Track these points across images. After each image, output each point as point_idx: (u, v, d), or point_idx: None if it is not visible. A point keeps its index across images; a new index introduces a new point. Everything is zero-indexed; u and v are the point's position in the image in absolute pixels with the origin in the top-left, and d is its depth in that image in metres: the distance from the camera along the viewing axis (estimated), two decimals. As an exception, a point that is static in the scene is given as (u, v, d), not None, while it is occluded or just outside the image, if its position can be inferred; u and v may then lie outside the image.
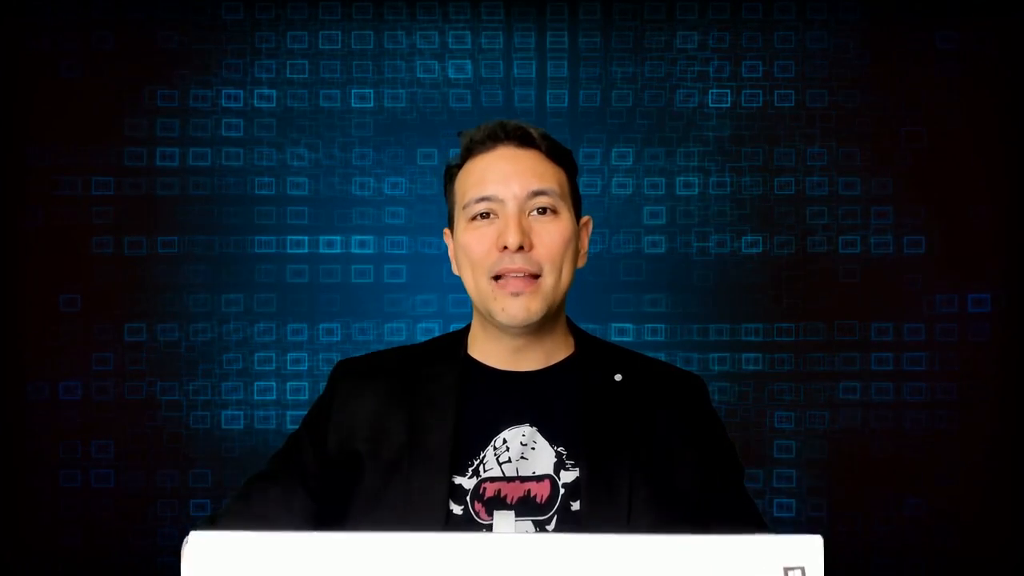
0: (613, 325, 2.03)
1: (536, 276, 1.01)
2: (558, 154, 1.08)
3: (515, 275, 1.01)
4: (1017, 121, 2.02)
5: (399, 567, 0.61)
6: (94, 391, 2.02)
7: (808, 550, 0.60)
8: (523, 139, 1.06)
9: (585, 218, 1.11)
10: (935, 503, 2.00)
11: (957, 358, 2.02)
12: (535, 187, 1.03)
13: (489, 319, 1.05)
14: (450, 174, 1.10)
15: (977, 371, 2.01)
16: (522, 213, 1.02)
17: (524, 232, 1.01)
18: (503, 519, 0.70)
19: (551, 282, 1.02)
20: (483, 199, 1.03)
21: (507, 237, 1.00)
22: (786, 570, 0.59)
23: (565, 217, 1.04)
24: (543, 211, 1.03)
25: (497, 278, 1.02)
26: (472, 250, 1.03)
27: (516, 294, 1.01)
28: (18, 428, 2.00)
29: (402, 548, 0.62)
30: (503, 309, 1.01)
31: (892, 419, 2.02)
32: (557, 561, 0.61)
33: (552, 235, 1.02)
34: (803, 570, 0.60)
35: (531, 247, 1.01)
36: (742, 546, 0.61)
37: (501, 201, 1.02)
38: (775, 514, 1.99)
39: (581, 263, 1.09)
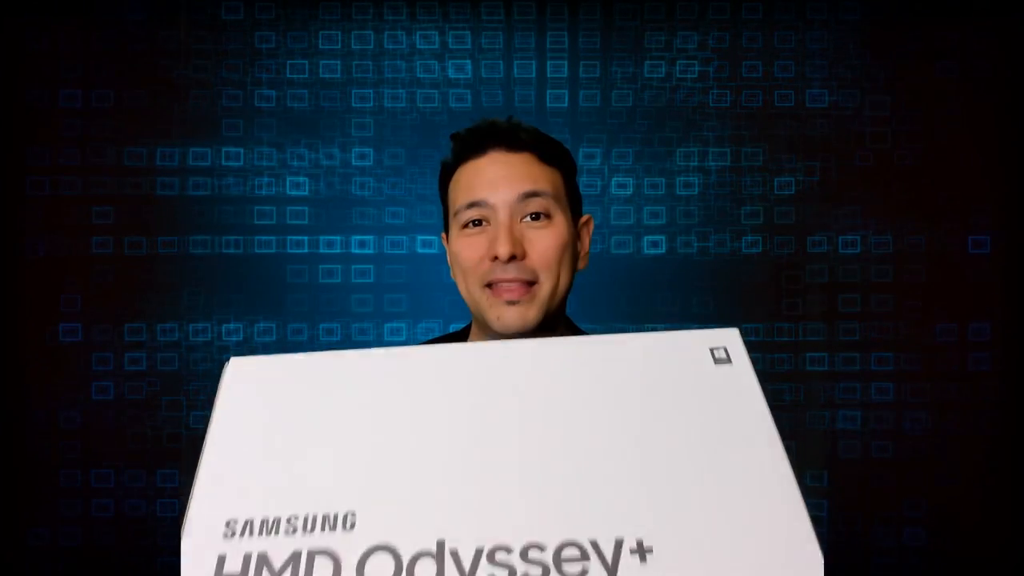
0: (613, 325, 2.03)
1: (532, 283, 0.99)
2: (552, 154, 1.05)
3: (509, 284, 0.99)
4: (1017, 121, 2.02)
5: (440, 375, 0.65)
6: (94, 391, 2.02)
7: (727, 338, 0.68)
8: (514, 141, 1.02)
9: (585, 217, 1.09)
10: (935, 503, 2.00)
11: (957, 358, 2.02)
12: (527, 189, 0.99)
13: (485, 327, 1.03)
14: (444, 174, 1.09)
15: (977, 371, 2.01)
16: (513, 220, 0.99)
17: (516, 240, 0.98)
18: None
19: (548, 289, 1.00)
20: (473, 205, 1.00)
21: (498, 247, 0.97)
22: (712, 350, 0.67)
23: (559, 221, 1.01)
24: (536, 216, 1.00)
25: (490, 285, 1.00)
26: (463, 258, 1.01)
27: (512, 302, 0.99)
28: (18, 428, 2.00)
29: (444, 360, 0.66)
30: (498, 317, 0.99)
31: (892, 419, 2.02)
32: (493, 364, 0.65)
33: (545, 241, 0.99)
34: (726, 350, 0.67)
35: (524, 255, 0.98)
36: (666, 336, 0.68)
37: (492, 207, 0.99)
38: (775, 514, 1.99)
39: (582, 264, 1.08)
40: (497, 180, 1.00)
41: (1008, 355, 2.01)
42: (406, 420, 0.62)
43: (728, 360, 0.67)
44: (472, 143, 1.04)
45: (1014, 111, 2.02)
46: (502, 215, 0.99)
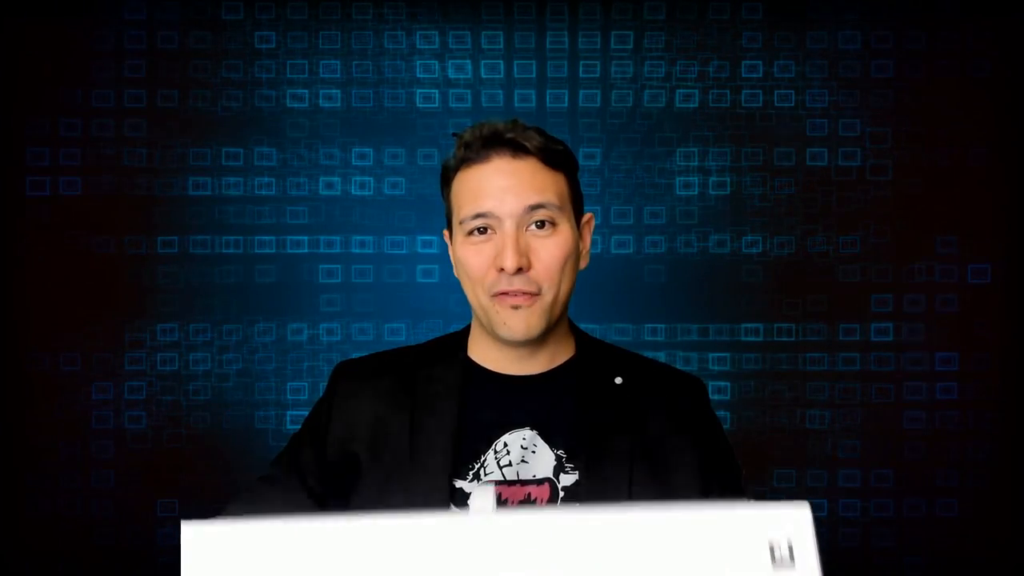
0: (613, 325, 2.03)
1: (537, 293, 1.00)
2: (556, 159, 1.04)
3: (515, 293, 0.99)
4: (1017, 121, 2.02)
5: (393, 549, 0.60)
6: (94, 391, 2.02)
7: (795, 521, 0.58)
8: (518, 148, 1.01)
9: (587, 216, 1.09)
10: (935, 503, 2.00)
11: (957, 358, 2.02)
12: (532, 202, 0.99)
13: (490, 331, 1.04)
14: (446, 174, 1.07)
15: (977, 370, 2.01)
16: (520, 230, 0.99)
17: (521, 253, 0.98)
18: (482, 493, 0.69)
19: (550, 299, 1.00)
20: (479, 215, 1.00)
21: (505, 259, 0.97)
22: (772, 546, 0.57)
23: (564, 229, 1.01)
24: (541, 224, 1.00)
25: (496, 294, 1.00)
26: (470, 267, 1.01)
27: (516, 307, 0.99)
28: (18, 428, 2.00)
29: (394, 531, 0.61)
30: (504, 323, 1.00)
31: (892, 419, 2.02)
32: (539, 538, 0.59)
33: (551, 251, 1.00)
34: (790, 545, 0.57)
35: (529, 267, 0.99)
36: (726, 519, 0.59)
37: (498, 218, 0.99)
38: (775, 514, 1.99)
39: (583, 264, 1.07)
40: (503, 191, 0.99)
41: (1009, 354, 2.01)
42: None
43: (791, 561, 0.57)
44: (475, 148, 1.03)
45: (1014, 111, 2.02)
46: (508, 226, 0.99)
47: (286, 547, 0.61)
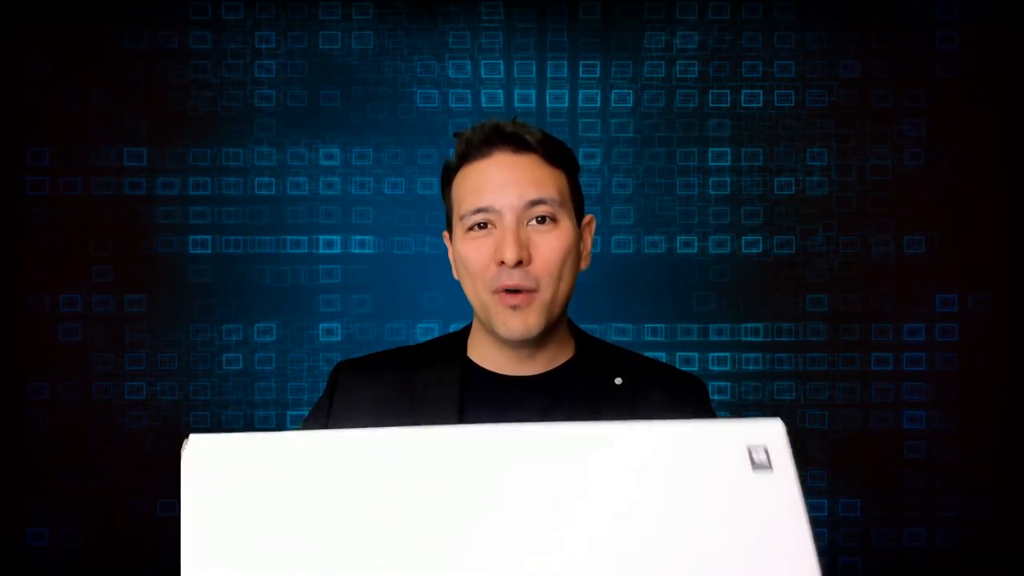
0: (613, 325, 2.03)
1: (536, 289, 0.99)
2: (557, 156, 1.04)
3: (514, 290, 0.99)
4: (1017, 121, 2.01)
5: (400, 461, 0.61)
6: (95, 391, 2.02)
7: (770, 431, 0.62)
8: (519, 144, 1.02)
9: (588, 217, 1.09)
10: (935, 503, 2.00)
11: (957, 358, 2.02)
12: (533, 196, 0.99)
13: (490, 330, 1.03)
14: (447, 175, 1.07)
15: (977, 371, 2.01)
16: (520, 224, 0.99)
17: (522, 245, 0.98)
18: None
19: (548, 296, 1.00)
20: (479, 210, 1.00)
21: (504, 252, 0.97)
22: (749, 449, 0.60)
23: (565, 225, 1.01)
24: (542, 220, 1.00)
25: (497, 291, 1.00)
26: (470, 262, 1.01)
27: (515, 307, 0.99)
28: (18, 428, 2.00)
29: (402, 443, 0.62)
30: (503, 323, 1.00)
31: (892, 419, 2.02)
32: (524, 449, 0.61)
33: (551, 246, 1.00)
34: (766, 451, 0.60)
35: (529, 261, 0.98)
36: (704, 429, 0.62)
37: (498, 212, 0.99)
38: (775, 514, 1.99)
39: (584, 264, 1.07)
40: (504, 184, 0.99)
41: (1008, 355, 2.01)
42: (409, 504, 0.59)
43: (768, 465, 0.61)
44: (476, 144, 1.03)
45: (1014, 111, 2.02)
46: (508, 220, 0.99)
47: (289, 458, 0.62)
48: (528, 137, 1.02)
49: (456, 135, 1.07)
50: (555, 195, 1.01)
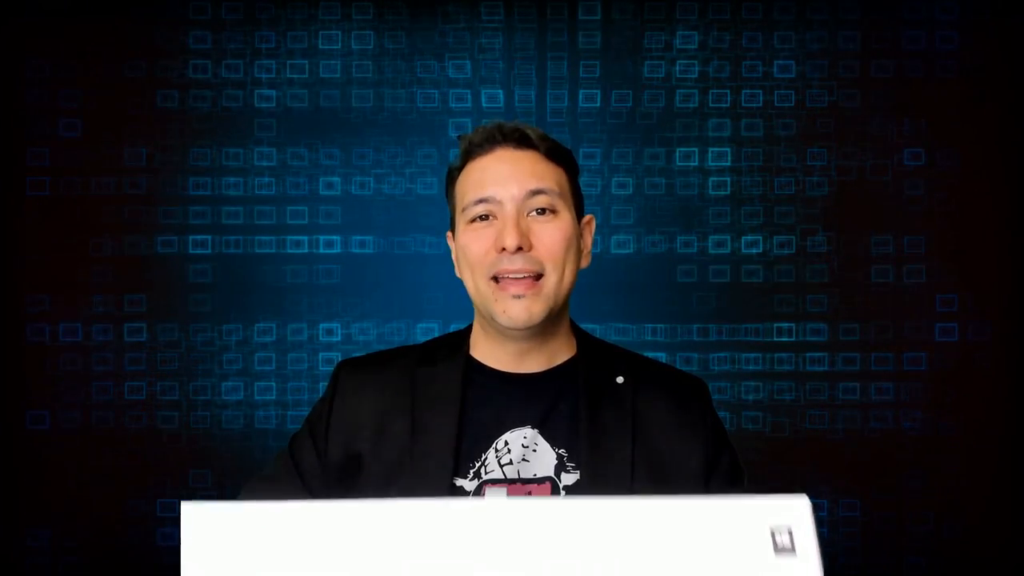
0: (613, 325, 2.03)
1: (538, 276, 1.00)
2: (557, 154, 1.07)
3: (516, 276, 1.00)
4: (1017, 121, 2.02)
5: (393, 534, 0.60)
6: (95, 391, 2.02)
7: (795, 510, 0.59)
8: (521, 140, 1.05)
9: (587, 217, 1.10)
10: (935, 503, 2.00)
11: (957, 358, 2.02)
12: (533, 187, 1.02)
13: (491, 322, 1.04)
14: (451, 177, 1.09)
15: (977, 371, 2.01)
16: (520, 214, 1.01)
17: (523, 233, 1.00)
18: (495, 494, 0.69)
19: (553, 281, 1.01)
20: (481, 201, 1.02)
21: (505, 238, 0.99)
22: (772, 531, 0.58)
23: (565, 216, 1.03)
24: (542, 211, 1.02)
25: (497, 279, 1.01)
26: (471, 251, 1.03)
27: (518, 296, 1.00)
28: (18, 427, 2.00)
29: (396, 515, 0.61)
30: (504, 311, 1.00)
31: (892, 419, 2.02)
32: (546, 525, 0.60)
33: (552, 234, 1.01)
34: (790, 533, 0.58)
35: (531, 247, 1.00)
36: (728, 508, 0.60)
37: (499, 202, 1.01)
38: (775, 514, 1.99)
39: (585, 263, 1.08)
40: (505, 176, 1.02)
41: (1008, 355, 2.01)
42: None
43: (791, 549, 0.58)
44: (479, 142, 1.06)
45: (1014, 111, 2.02)
46: (509, 209, 1.01)
47: (288, 528, 0.61)
48: (529, 133, 1.05)
49: (459, 137, 1.09)
50: (554, 187, 1.04)
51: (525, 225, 1.01)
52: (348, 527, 0.61)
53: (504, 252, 1.00)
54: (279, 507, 0.63)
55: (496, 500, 0.62)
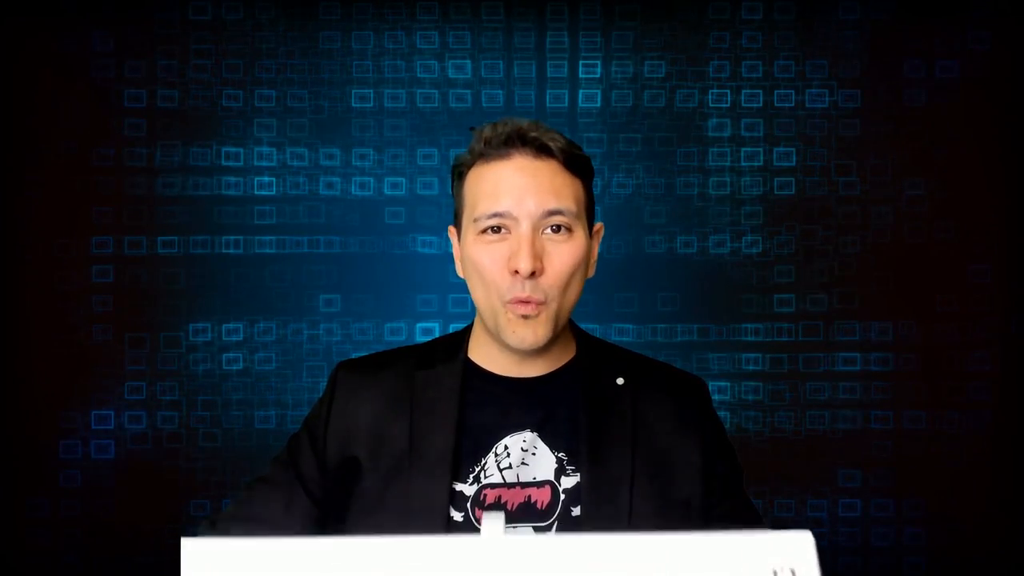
0: (613, 325, 2.03)
1: (542, 302, 0.98)
2: (577, 163, 1.02)
3: (525, 301, 0.97)
4: (1017, 121, 2.01)
5: (393, 572, 0.60)
6: (95, 391, 2.02)
7: (798, 548, 0.58)
8: (540, 148, 0.99)
9: (598, 225, 1.08)
10: (935, 503, 2.00)
11: (957, 358, 2.02)
12: (551, 206, 0.97)
13: (497, 336, 1.02)
14: (459, 171, 1.05)
15: (977, 372, 2.01)
16: (536, 232, 0.97)
17: (536, 255, 0.96)
18: (492, 520, 0.69)
19: (555, 308, 0.99)
20: (496, 215, 0.98)
21: (519, 262, 0.96)
22: (775, 572, 0.57)
23: (579, 236, 1.00)
24: (557, 229, 0.98)
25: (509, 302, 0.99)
26: (483, 268, 0.99)
27: (525, 317, 0.98)
28: (18, 427, 2.00)
29: (396, 552, 0.60)
30: (513, 332, 0.99)
31: (892, 419, 2.02)
32: (545, 561, 0.59)
33: (563, 258, 0.98)
34: (793, 572, 0.57)
35: (542, 271, 0.97)
36: (729, 545, 0.58)
37: (515, 219, 0.97)
38: (776, 514, 2.00)
39: (590, 273, 1.06)
40: (523, 190, 0.98)
41: (1008, 355, 2.01)
42: None
43: None
44: (496, 143, 1.01)
45: (1014, 111, 2.02)
46: (525, 228, 0.97)
47: (289, 565, 0.61)
48: (550, 143, 1.00)
49: (473, 129, 1.04)
50: (572, 206, 0.99)
51: (540, 246, 0.97)
52: (349, 565, 0.60)
53: (517, 275, 0.97)
54: (279, 544, 0.62)
55: (493, 534, 0.62)
